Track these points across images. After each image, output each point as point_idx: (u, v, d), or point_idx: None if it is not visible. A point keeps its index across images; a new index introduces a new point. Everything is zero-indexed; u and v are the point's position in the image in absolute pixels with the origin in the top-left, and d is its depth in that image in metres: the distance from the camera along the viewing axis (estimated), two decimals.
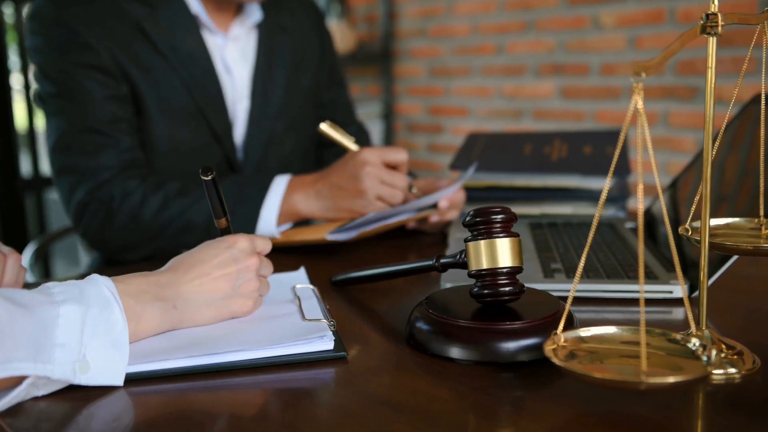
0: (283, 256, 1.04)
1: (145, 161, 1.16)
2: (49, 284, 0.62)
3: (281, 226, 1.11)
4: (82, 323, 0.59)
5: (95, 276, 0.65)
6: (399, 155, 1.08)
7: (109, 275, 0.66)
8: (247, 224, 1.07)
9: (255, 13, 1.27)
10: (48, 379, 0.57)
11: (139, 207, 1.08)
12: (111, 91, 1.13)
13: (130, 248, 1.11)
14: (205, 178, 0.73)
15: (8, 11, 2.66)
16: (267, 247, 0.77)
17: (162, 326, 0.67)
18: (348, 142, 1.12)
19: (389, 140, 3.28)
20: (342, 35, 3.09)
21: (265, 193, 1.08)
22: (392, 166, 1.09)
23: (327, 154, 1.46)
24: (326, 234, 1.02)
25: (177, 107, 1.18)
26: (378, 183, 1.05)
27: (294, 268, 0.94)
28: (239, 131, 1.26)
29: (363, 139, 1.49)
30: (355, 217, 1.07)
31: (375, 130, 3.20)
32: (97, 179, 1.09)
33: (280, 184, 1.09)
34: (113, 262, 1.18)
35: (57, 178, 1.14)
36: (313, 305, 0.77)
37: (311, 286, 0.84)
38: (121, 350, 0.61)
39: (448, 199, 1.12)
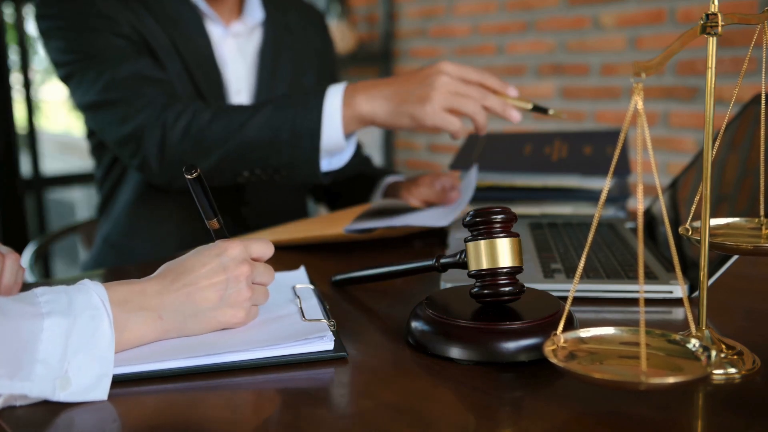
0: (284, 256, 1.04)
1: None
2: (38, 290, 0.61)
3: (350, 138, 1.05)
4: (66, 338, 0.58)
5: (86, 282, 0.63)
6: (477, 75, 1.00)
7: (115, 273, 0.66)
8: (311, 135, 1.00)
9: (256, 13, 1.27)
10: (26, 396, 0.56)
11: (190, 124, 1.05)
12: (137, 49, 1.14)
13: (187, 163, 1.09)
14: (189, 177, 0.70)
15: (8, 11, 2.66)
16: (266, 252, 0.73)
17: (147, 336, 0.65)
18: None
19: (389, 140, 3.28)
20: (342, 35, 3.09)
21: (323, 99, 1.01)
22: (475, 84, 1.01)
23: None
24: (343, 228, 1.00)
25: (179, 89, 1.18)
26: (449, 94, 0.98)
27: (294, 267, 0.94)
28: None
29: (359, 156, 1.47)
30: (415, 127, 1.01)
31: (375, 130, 3.20)
32: (151, 106, 1.08)
33: (336, 89, 1.02)
34: (118, 251, 1.18)
35: (104, 113, 1.11)
36: (313, 305, 0.77)
37: (311, 286, 0.83)
38: (105, 366, 0.59)
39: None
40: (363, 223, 1.02)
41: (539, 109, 1.01)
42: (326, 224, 1.06)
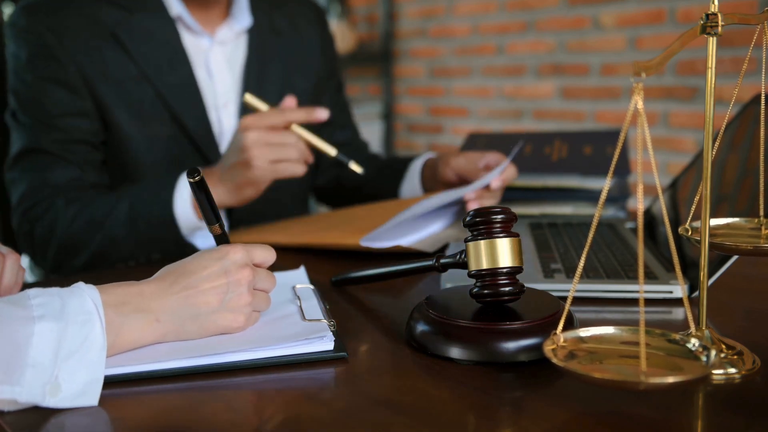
0: (283, 256, 1.04)
1: (95, 183, 1.15)
2: (31, 292, 0.60)
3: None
4: (57, 343, 0.57)
5: (80, 285, 0.62)
6: (283, 117, 1.02)
7: (116, 274, 0.65)
8: (168, 226, 1.04)
9: (244, 18, 1.24)
10: (15, 401, 0.55)
11: (54, 224, 1.08)
12: (71, 107, 1.12)
13: (59, 266, 1.12)
14: (191, 180, 0.69)
15: (8, 11, 2.66)
16: (268, 258, 0.72)
17: (144, 339, 0.64)
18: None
19: (389, 140, 3.28)
20: (342, 35, 3.09)
21: (173, 191, 1.04)
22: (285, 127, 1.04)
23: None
24: (360, 240, 0.99)
25: (150, 118, 1.16)
26: (264, 147, 1.00)
27: (294, 267, 0.94)
28: (228, 138, 1.22)
29: (360, 145, 1.46)
30: (259, 191, 1.04)
31: (375, 130, 3.20)
32: (34, 200, 1.10)
33: (184, 179, 1.05)
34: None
35: (9, 190, 1.15)
36: (313, 305, 0.77)
37: (311, 286, 0.83)
38: (96, 372, 0.58)
39: (500, 179, 1.10)
40: (380, 239, 1.00)
41: (340, 160, 1.07)
42: (344, 236, 1.05)
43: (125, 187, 1.10)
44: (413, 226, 1.02)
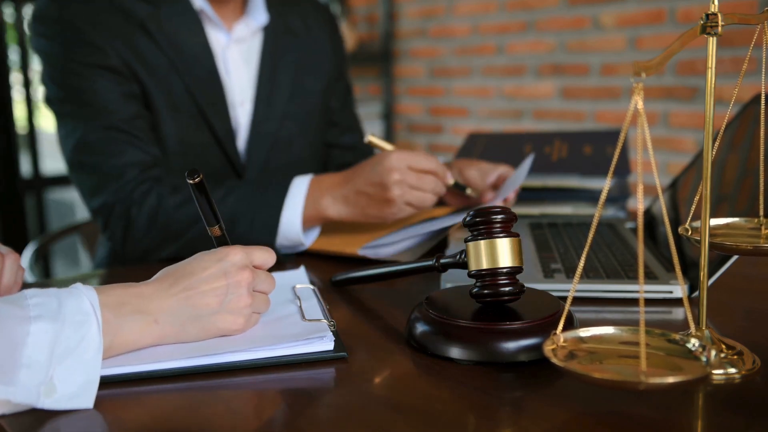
0: (283, 256, 1.04)
1: (162, 159, 1.14)
2: (28, 293, 0.60)
3: (310, 232, 1.07)
4: (53, 343, 0.57)
5: (78, 286, 0.62)
6: (427, 164, 1.02)
7: (117, 274, 0.65)
8: (268, 230, 1.02)
9: (260, 15, 1.24)
10: (8, 402, 0.55)
11: (156, 211, 1.06)
12: (123, 89, 1.12)
13: (152, 252, 1.08)
14: (191, 182, 0.67)
15: (8, 11, 2.66)
16: (267, 260, 0.72)
17: (142, 341, 0.64)
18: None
19: (389, 140, 3.27)
20: (342, 35, 3.09)
21: (284, 195, 1.03)
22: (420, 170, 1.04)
23: (334, 153, 1.44)
24: (358, 250, 1.00)
25: (180, 108, 1.16)
26: (406, 188, 1.01)
27: (294, 267, 0.94)
28: (242, 135, 1.23)
29: (366, 148, 1.45)
30: (384, 223, 1.05)
31: (375, 130, 3.20)
32: (121, 181, 1.08)
33: (300, 185, 1.04)
34: (122, 259, 1.16)
35: (78, 177, 1.12)
36: (313, 305, 0.77)
37: (311, 286, 0.83)
38: (91, 373, 0.58)
39: (516, 191, 1.13)
40: (379, 248, 1.00)
41: (458, 187, 1.11)
42: (342, 244, 1.05)
43: (234, 182, 1.08)
44: (414, 237, 1.03)
